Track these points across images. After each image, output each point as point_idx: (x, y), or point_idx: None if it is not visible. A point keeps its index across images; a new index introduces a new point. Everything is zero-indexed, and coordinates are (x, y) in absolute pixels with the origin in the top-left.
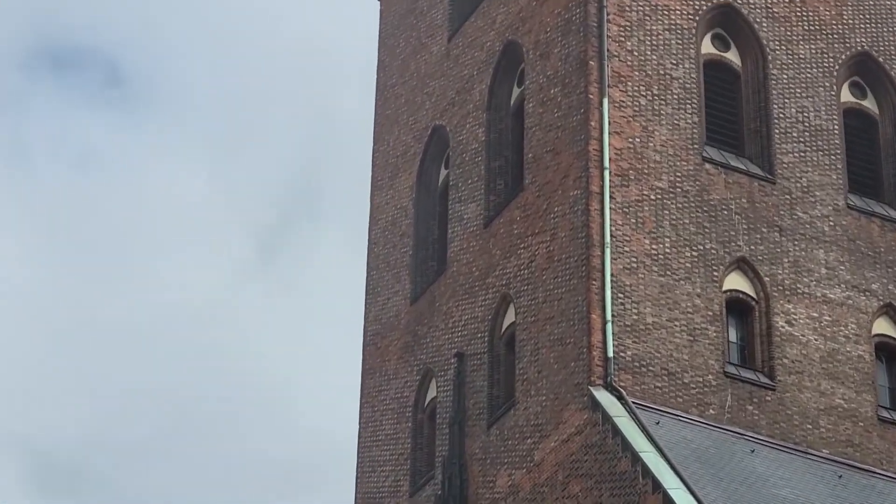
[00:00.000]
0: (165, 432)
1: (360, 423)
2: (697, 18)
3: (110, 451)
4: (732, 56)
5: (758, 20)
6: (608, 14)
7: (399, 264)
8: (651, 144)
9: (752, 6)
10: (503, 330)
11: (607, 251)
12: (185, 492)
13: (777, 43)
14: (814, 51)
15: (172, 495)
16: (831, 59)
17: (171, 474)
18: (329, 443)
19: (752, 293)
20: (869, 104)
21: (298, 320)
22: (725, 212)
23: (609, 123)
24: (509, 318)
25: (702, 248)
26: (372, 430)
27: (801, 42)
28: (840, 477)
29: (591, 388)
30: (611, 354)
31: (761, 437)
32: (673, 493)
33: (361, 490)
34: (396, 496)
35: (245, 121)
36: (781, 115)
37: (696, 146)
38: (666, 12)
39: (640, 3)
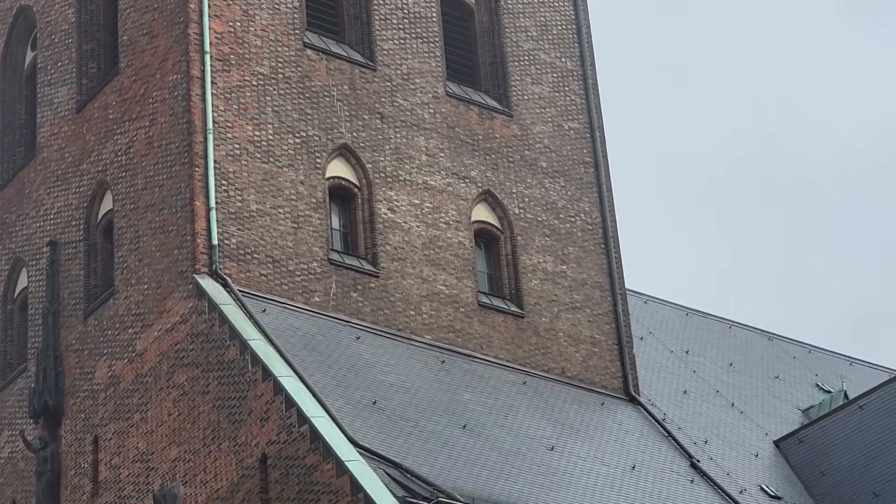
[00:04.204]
0: None
1: None
2: None
3: None
4: None
5: None
6: None
7: None
8: (252, 29)
9: None
10: (100, 217)
11: (209, 137)
12: None
13: None
14: None
15: None
16: None
17: None
18: None
19: (354, 180)
20: None
21: None
22: (327, 98)
23: (209, 7)
24: (106, 205)
25: (304, 134)
26: None
27: None
28: (443, 362)
29: (195, 276)
30: (215, 242)
31: (366, 324)
32: (283, 381)
33: None
34: None
35: None
36: (381, 2)
37: (297, 31)
38: None
39: None
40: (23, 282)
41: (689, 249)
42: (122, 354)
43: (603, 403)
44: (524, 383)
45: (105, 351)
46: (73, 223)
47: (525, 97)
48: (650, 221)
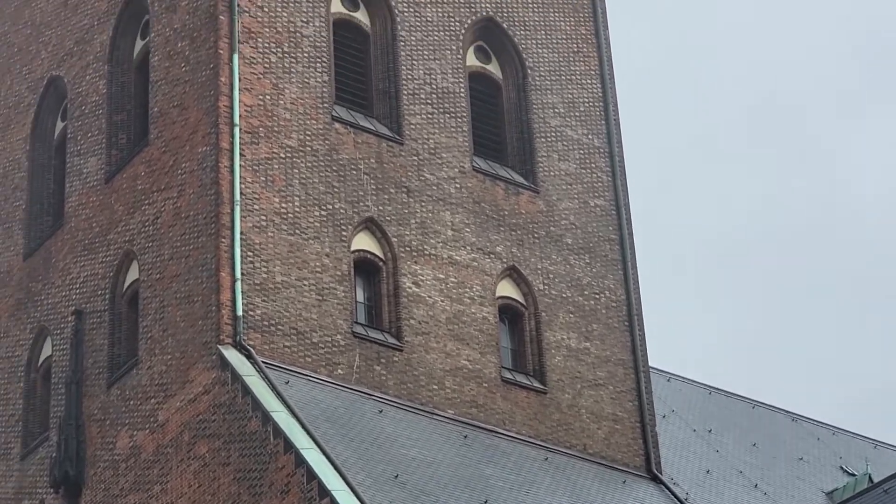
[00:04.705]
0: None
1: None
2: None
3: None
4: (362, 16)
5: None
6: None
7: (11, 218)
8: (281, 102)
9: None
10: (126, 287)
11: (237, 209)
12: None
13: (405, 5)
14: (441, 14)
15: None
16: (457, 23)
17: None
18: None
19: (379, 253)
20: (493, 69)
21: None
22: (354, 171)
23: (239, 80)
24: (132, 275)
25: (331, 207)
26: None
27: (429, 5)
28: (465, 437)
29: (219, 347)
30: (240, 313)
31: (389, 398)
32: (305, 454)
33: None
34: (6, 459)
35: None
36: (409, 77)
37: (325, 105)
38: None
39: None
40: (47, 350)
41: (713, 328)
42: (144, 425)
43: (625, 481)
44: (546, 459)
45: (127, 421)
46: (99, 293)
47: (551, 173)
48: (674, 299)
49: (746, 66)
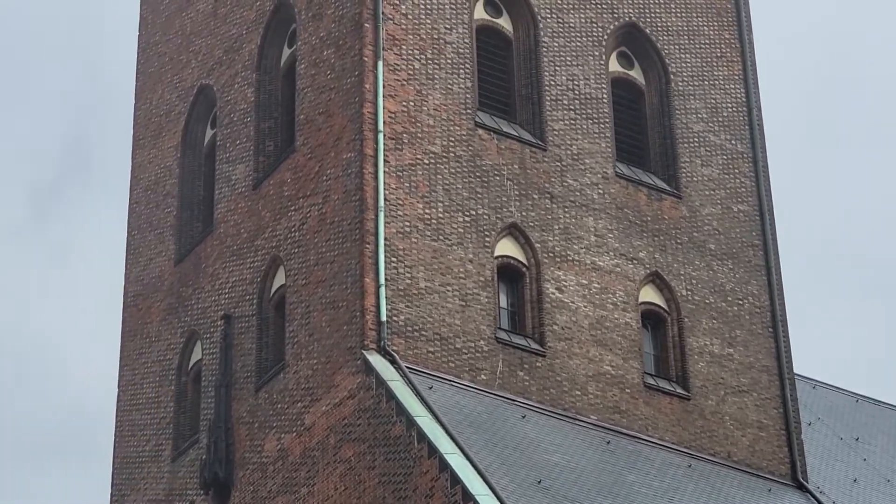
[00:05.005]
0: None
1: (119, 387)
2: None
3: None
4: (504, 22)
5: None
6: None
7: (163, 224)
8: (425, 108)
9: None
10: (273, 292)
11: (381, 215)
12: None
13: (548, 11)
14: (583, 20)
15: None
16: (600, 29)
17: None
18: (91, 408)
19: (523, 259)
20: (636, 74)
21: (69, 283)
22: (497, 177)
23: (383, 86)
24: (279, 280)
25: (474, 213)
26: (132, 394)
27: (572, 11)
28: (608, 443)
29: (364, 352)
30: (384, 318)
31: (532, 403)
32: (449, 458)
33: (120, 455)
34: (158, 461)
35: (15, 76)
36: (552, 83)
37: (468, 111)
38: None
39: None
40: (197, 354)
41: (859, 334)
42: (291, 428)
43: (770, 490)
44: (690, 466)
45: (275, 424)
46: (247, 297)
47: (694, 179)
48: (819, 305)
49: (890, 68)
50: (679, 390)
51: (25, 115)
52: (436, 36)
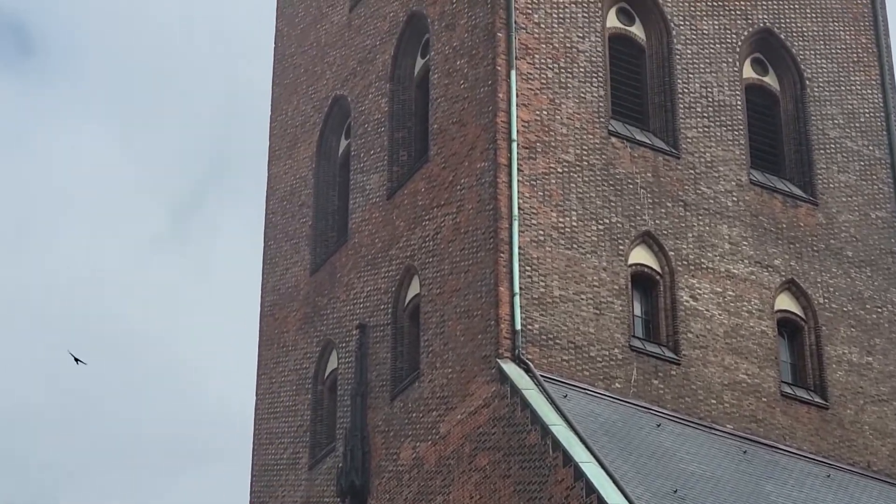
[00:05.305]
0: (62, 403)
1: (256, 395)
2: None
3: (6, 421)
4: (637, 30)
5: None
6: None
7: (298, 235)
8: (558, 117)
9: None
10: (407, 302)
11: (515, 224)
12: (84, 464)
13: (681, 18)
14: (717, 26)
15: (66, 465)
16: (734, 36)
17: (69, 446)
18: (229, 416)
19: (656, 267)
20: (770, 80)
21: (209, 294)
22: (631, 186)
23: (517, 96)
24: (413, 289)
25: (608, 221)
26: (269, 402)
27: (705, 17)
28: (745, 452)
29: (499, 361)
30: (518, 327)
31: (666, 412)
32: (584, 467)
33: (258, 462)
34: (295, 469)
35: (159, 88)
36: (685, 90)
37: (602, 119)
38: None
39: None
40: (333, 363)
41: None
42: (426, 437)
43: None
44: (828, 476)
45: (410, 433)
46: (382, 307)
47: (831, 185)
48: None
49: None
50: (817, 399)
51: (167, 130)
52: (568, 45)
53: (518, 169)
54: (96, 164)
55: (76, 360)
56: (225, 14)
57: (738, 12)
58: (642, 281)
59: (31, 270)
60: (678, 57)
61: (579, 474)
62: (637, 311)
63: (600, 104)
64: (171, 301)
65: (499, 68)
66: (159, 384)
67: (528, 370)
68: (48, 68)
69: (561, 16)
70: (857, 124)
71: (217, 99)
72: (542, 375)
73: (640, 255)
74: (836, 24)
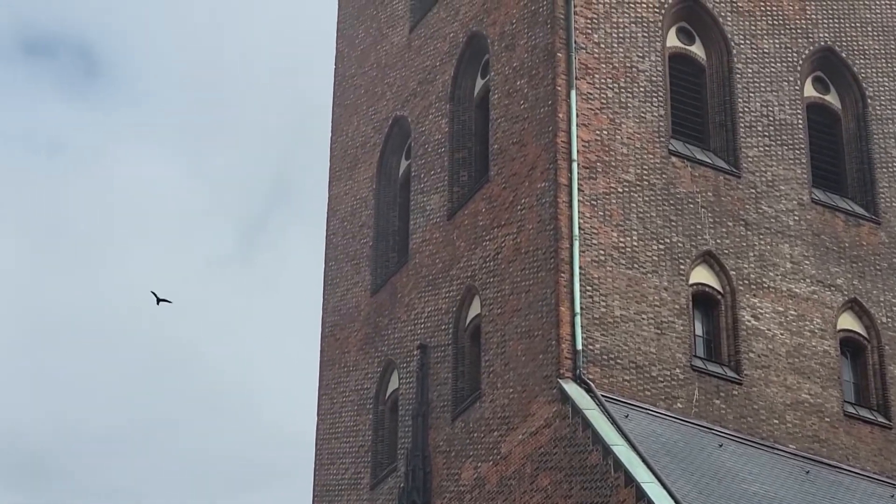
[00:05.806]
0: (128, 425)
1: (318, 415)
2: (663, 12)
3: (73, 444)
4: (697, 50)
5: (722, 14)
6: (575, 6)
7: (359, 255)
8: (618, 137)
9: (717, 0)
10: (468, 322)
11: (576, 244)
12: (146, 485)
13: (741, 37)
14: (777, 45)
15: (133, 488)
16: (795, 54)
17: (132, 467)
18: (290, 436)
19: (718, 287)
20: (832, 99)
21: (275, 315)
22: (692, 205)
23: (577, 115)
24: (474, 309)
25: (668, 241)
26: (331, 423)
27: (765, 37)
28: (807, 472)
29: (560, 381)
30: (579, 347)
31: (728, 432)
32: (646, 487)
33: (320, 483)
34: (357, 489)
35: (223, 110)
36: (746, 109)
37: (662, 139)
38: (632, 5)
39: None
40: (394, 383)
41: None
42: (488, 457)
43: None
44: (893, 497)
45: (471, 453)
46: (443, 327)
47: (893, 204)
48: None
49: None
50: (881, 419)
51: (232, 151)
52: (628, 64)
53: (578, 189)
54: (162, 186)
55: (159, 299)
56: (286, 37)
57: (798, 31)
58: (703, 300)
59: (100, 293)
60: (739, 76)
61: (641, 494)
62: (698, 330)
63: (660, 123)
64: (235, 322)
65: (559, 88)
66: (223, 405)
67: (589, 390)
68: (114, 91)
69: (621, 35)
70: None
71: (280, 120)
72: (603, 395)
73: (702, 275)
74: None
